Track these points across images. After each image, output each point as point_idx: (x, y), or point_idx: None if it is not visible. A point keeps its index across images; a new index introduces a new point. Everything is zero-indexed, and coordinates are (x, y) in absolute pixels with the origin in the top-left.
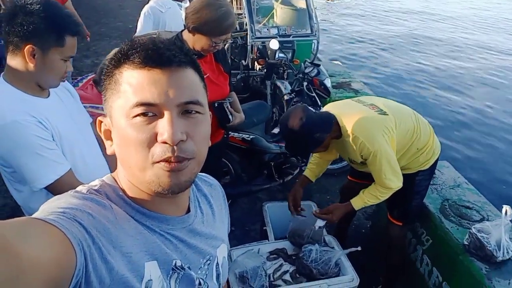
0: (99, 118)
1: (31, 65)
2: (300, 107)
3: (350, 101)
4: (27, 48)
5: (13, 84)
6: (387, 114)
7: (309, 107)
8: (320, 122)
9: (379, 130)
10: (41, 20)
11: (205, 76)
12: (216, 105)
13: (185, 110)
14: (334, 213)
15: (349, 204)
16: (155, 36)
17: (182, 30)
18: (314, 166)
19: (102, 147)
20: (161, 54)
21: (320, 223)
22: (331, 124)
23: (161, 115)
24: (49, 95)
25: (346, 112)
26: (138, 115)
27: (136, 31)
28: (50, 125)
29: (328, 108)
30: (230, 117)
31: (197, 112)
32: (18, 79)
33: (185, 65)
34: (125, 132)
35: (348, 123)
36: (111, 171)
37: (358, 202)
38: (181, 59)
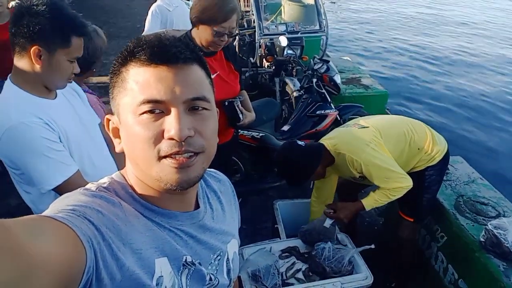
0: (107, 116)
1: (37, 66)
2: (288, 143)
3: (337, 128)
4: (33, 49)
5: (19, 86)
6: (367, 127)
7: (298, 141)
8: (309, 153)
9: (361, 142)
10: (46, 21)
11: (215, 74)
12: (226, 103)
13: (192, 106)
14: (342, 211)
15: (360, 203)
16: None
17: (191, 29)
18: (317, 205)
19: (111, 148)
20: (167, 51)
21: (329, 221)
22: (320, 153)
23: (168, 112)
24: (56, 96)
25: (330, 137)
26: (145, 112)
27: (144, 30)
28: (57, 127)
29: (323, 140)
30: (240, 116)
31: (204, 108)
32: (24, 81)
33: (191, 61)
34: (133, 129)
35: (334, 145)
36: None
37: (370, 201)
38: (187, 55)
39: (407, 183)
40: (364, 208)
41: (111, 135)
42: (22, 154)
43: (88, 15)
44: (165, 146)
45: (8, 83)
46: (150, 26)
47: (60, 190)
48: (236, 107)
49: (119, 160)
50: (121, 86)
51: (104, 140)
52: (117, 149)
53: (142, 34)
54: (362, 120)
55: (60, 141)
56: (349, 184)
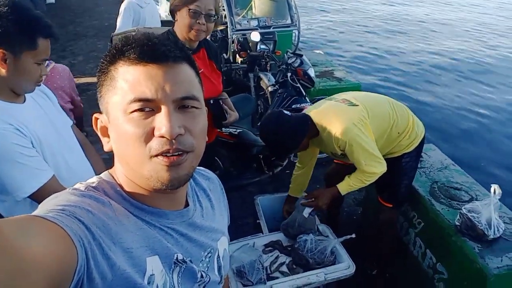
0: (95, 115)
1: (3, 71)
2: (276, 112)
3: (323, 100)
4: None
5: None
6: (357, 105)
7: (285, 111)
8: (296, 124)
9: (349, 120)
10: (10, 23)
11: (200, 71)
12: (212, 102)
13: (182, 105)
14: (319, 198)
15: (335, 189)
16: (133, 33)
17: (173, 26)
18: (297, 184)
19: (85, 150)
20: (156, 50)
21: (307, 210)
22: (307, 124)
23: (158, 110)
24: (25, 100)
25: (318, 110)
26: (135, 110)
27: (115, 28)
28: (29, 132)
29: (306, 111)
30: (226, 115)
31: (193, 107)
32: None
33: (181, 60)
34: (123, 127)
35: (321, 119)
36: (95, 173)
37: (344, 186)
38: (176, 54)
39: (382, 169)
40: (340, 193)
41: (99, 133)
42: None
43: (53, 14)
44: (156, 144)
45: None
46: (122, 23)
47: (36, 196)
48: (223, 105)
49: (95, 163)
50: (110, 84)
51: (78, 142)
52: (106, 148)
53: (113, 33)
54: (350, 96)
55: (33, 146)
56: (339, 171)
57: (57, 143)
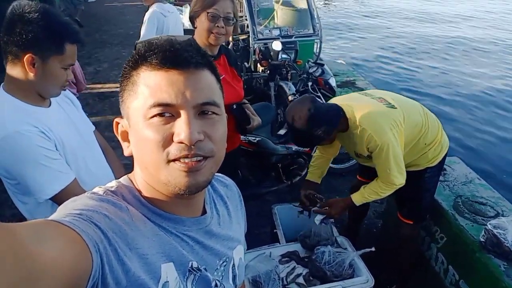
0: (116, 119)
1: (31, 74)
2: (309, 98)
3: (357, 94)
4: (27, 57)
5: (13, 94)
6: (396, 108)
7: (317, 98)
8: (328, 114)
9: (387, 123)
10: (40, 29)
11: (221, 77)
12: (235, 106)
13: (202, 111)
14: (333, 207)
15: (349, 199)
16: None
17: (193, 35)
18: (316, 167)
19: (106, 155)
20: (178, 56)
21: (319, 217)
22: (339, 116)
23: (178, 116)
24: (50, 105)
25: (353, 105)
26: (155, 115)
27: (139, 37)
28: (53, 135)
29: (335, 100)
30: (250, 119)
31: (213, 113)
32: (18, 89)
33: (202, 66)
34: (142, 132)
35: (356, 115)
36: (116, 179)
37: (358, 197)
38: (198, 60)
39: (402, 181)
40: (354, 203)
41: (119, 138)
42: (18, 163)
43: (81, 23)
44: (174, 150)
45: (1, 92)
46: (146, 32)
47: (57, 199)
48: (246, 110)
49: (116, 168)
50: (132, 89)
51: (100, 147)
52: (126, 153)
53: (137, 41)
54: (388, 96)
55: (56, 149)
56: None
57: (80, 147)
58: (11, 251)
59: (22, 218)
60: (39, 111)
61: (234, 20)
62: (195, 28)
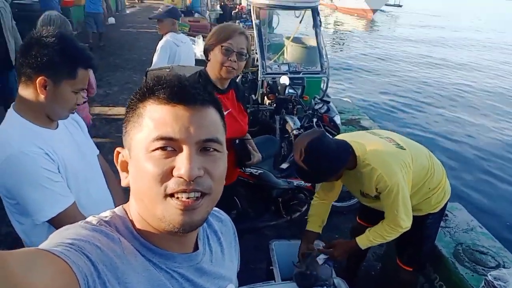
0: (117, 149)
1: (42, 96)
2: (319, 132)
3: (365, 132)
4: (39, 79)
5: (22, 115)
6: (405, 149)
7: (326, 134)
8: (338, 150)
9: (397, 164)
10: (55, 53)
11: (227, 111)
12: (237, 141)
13: (204, 147)
14: (337, 248)
15: (353, 242)
16: (167, 70)
17: (205, 66)
18: (316, 216)
19: (107, 180)
20: (186, 92)
21: (322, 257)
22: (349, 153)
23: (180, 150)
24: (57, 127)
25: (362, 143)
26: (157, 148)
27: (151, 63)
28: (57, 157)
29: (343, 137)
30: (251, 155)
31: (215, 150)
32: (28, 110)
33: (208, 104)
34: (142, 164)
35: (365, 153)
36: (115, 205)
37: (364, 240)
38: (204, 97)
39: (408, 224)
40: (359, 246)
41: (118, 168)
42: (20, 183)
43: (95, 46)
44: (173, 183)
45: (10, 111)
46: (158, 60)
47: (55, 221)
48: (248, 146)
49: (115, 194)
50: (137, 121)
51: (102, 172)
52: (123, 183)
53: (149, 68)
54: (396, 137)
55: (59, 171)
56: (361, 231)
57: (82, 171)
58: (1, 280)
59: (16, 237)
60: (46, 132)
61: (247, 56)
62: (208, 60)
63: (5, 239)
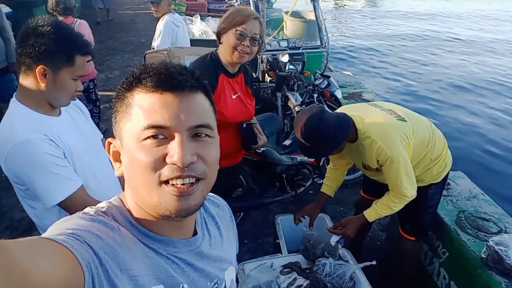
0: (108, 139)
1: (42, 85)
2: (318, 107)
3: (366, 104)
4: (39, 68)
5: (25, 104)
6: (406, 121)
7: (326, 108)
8: (338, 123)
9: (398, 136)
10: (51, 41)
11: (236, 95)
12: (244, 125)
13: (195, 133)
14: (348, 226)
15: (362, 216)
16: (165, 52)
17: (216, 49)
18: (331, 180)
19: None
20: (173, 79)
21: (335, 238)
22: (349, 127)
23: (171, 138)
24: (60, 114)
25: (363, 115)
26: (148, 137)
27: (150, 45)
28: (62, 143)
29: (344, 110)
30: (257, 138)
31: (206, 135)
32: (30, 99)
33: (196, 89)
34: (135, 154)
35: (366, 126)
36: (122, 187)
37: (371, 213)
38: (192, 83)
39: (413, 193)
40: (367, 220)
41: (111, 158)
42: (28, 170)
43: (94, 30)
44: (167, 171)
45: (14, 101)
46: (162, 42)
47: (64, 205)
48: (255, 130)
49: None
50: (125, 111)
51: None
52: (117, 173)
53: (155, 48)
54: (398, 109)
55: (65, 156)
56: (365, 204)
57: (87, 156)
58: (4, 268)
59: (31, 222)
60: (49, 119)
61: (260, 41)
62: (221, 43)
63: (20, 224)
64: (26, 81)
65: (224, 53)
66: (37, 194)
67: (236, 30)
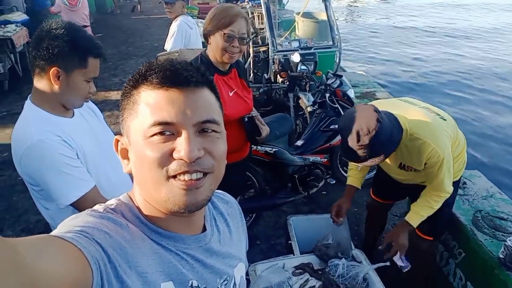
0: (116, 137)
1: (56, 87)
2: (371, 107)
3: (398, 101)
4: (52, 70)
5: (39, 106)
6: (445, 120)
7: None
8: (393, 127)
9: (446, 137)
10: (65, 44)
11: (233, 92)
12: (246, 119)
13: (202, 129)
14: (397, 241)
15: (406, 224)
16: (176, 54)
17: (205, 50)
18: (356, 172)
19: None
20: (179, 75)
21: (397, 258)
22: (401, 129)
23: (178, 134)
24: (73, 115)
25: (405, 114)
26: (155, 134)
27: (169, 47)
28: (75, 144)
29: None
30: (260, 130)
31: (213, 130)
32: (44, 101)
33: (202, 85)
34: (142, 151)
35: (413, 126)
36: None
37: (414, 217)
38: (198, 79)
39: (450, 191)
40: (413, 226)
41: (119, 156)
42: (42, 170)
43: (108, 35)
44: (174, 165)
45: (28, 103)
46: (175, 44)
47: (77, 205)
48: (257, 121)
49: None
50: (132, 108)
51: None
52: (125, 170)
53: (168, 50)
54: (433, 108)
55: (78, 157)
56: (376, 207)
57: (100, 157)
58: (13, 266)
59: (46, 224)
60: (63, 121)
61: (248, 39)
62: (209, 44)
63: (35, 227)
64: (40, 83)
65: (214, 54)
66: (51, 195)
67: (224, 34)
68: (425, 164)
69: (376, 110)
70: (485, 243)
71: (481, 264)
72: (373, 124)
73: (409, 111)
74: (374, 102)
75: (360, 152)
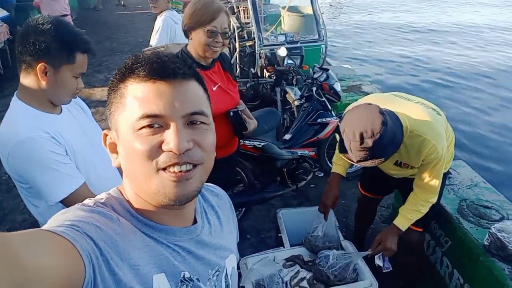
0: (104, 131)
1: (43, 83)
2: (376, 108)
3: (396, 97)
4: (40, 66)
5: (26, 102)
6: (441, 115)
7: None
8: (396, 124)
9: (443, 132)
10: (52, 39)
11: (217, 86)
12: (231, 114)
13: (191, 121)
14: (386, 242)
15: (394, 228)
16: (162, 49)
17: (187, 44)
18: (343, 161)
19: None
20: (165, 67)
21: (379, 261)
22: (402, 127)
23: (167, 127)
24: (61, 111)
25: (405, 111)
26: (144, 127)
27: (154, 42)
28: (63, 140)
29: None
30: (247, 124)
31: (202, 122)
32: (31, 97)
33: (189, 77)
34: (131, 144)
35: (413, 123)
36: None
37: (403, 222)
38: (185, 71)
39: (437, 193)
40: (402, 230)
41: (108, 150)
42: (30, 167)
43: (92, 31)
44: (164, 158)
45: (15, 100)
46: (160, 39)
47: (67, 202)
48: (243, 115)
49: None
50: (120, 102)
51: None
52: (114, 164)
53: (153, 46)
54: (428, 103)
55: (67, 154)
56: (366, 202)
57: (89, 152)
58: (4, 260)
59: (33, 223)
60: (51, 117)
61: (230, 33)
62: (190, 39)
63: (21, 226)
64: (26, 79)
65: (196, 50)
66: (40, 192)
67: (207, 30)
68: (422, 160)
69: (382, 112)
70: (471, 231)
71: (467, 251)
72: (378, 127)
73: (408, 108)
74: (369, 97)
75: (362, 154)
